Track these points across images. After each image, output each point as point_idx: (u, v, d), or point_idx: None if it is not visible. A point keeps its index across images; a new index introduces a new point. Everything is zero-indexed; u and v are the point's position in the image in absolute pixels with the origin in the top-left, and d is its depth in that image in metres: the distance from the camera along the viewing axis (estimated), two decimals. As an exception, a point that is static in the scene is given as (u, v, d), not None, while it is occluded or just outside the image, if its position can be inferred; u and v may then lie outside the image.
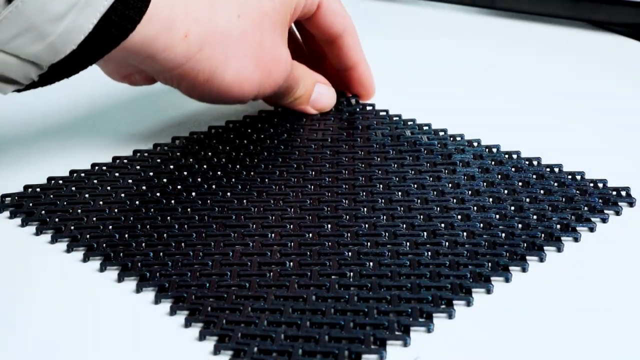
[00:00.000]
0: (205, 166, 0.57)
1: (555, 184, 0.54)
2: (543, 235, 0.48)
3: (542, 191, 0.53)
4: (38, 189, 0.54)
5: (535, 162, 0.57)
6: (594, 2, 0.88)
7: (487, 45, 0.87)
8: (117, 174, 0.56)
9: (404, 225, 0.49)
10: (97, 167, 0.58)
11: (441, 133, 0.62)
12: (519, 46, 0.87)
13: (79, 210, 0.52)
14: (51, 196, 0.53)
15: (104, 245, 0.48)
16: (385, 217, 0.50)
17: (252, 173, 0.56)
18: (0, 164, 0.59)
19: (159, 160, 0.58)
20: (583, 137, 0.63)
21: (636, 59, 0.83)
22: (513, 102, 0.70)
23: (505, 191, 0.53)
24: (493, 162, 0.57)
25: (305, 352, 0.39)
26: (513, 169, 0.56)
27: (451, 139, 0.61)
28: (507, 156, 0.58)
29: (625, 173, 0.56)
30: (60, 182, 0.55)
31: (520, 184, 0.54)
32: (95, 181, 0.55)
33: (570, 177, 0.55)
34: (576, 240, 0.49)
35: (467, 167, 0.56)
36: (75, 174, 0.56)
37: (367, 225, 0.49)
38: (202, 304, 0.42)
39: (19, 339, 0.41)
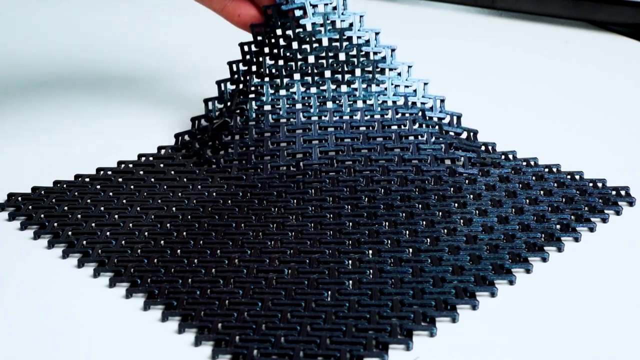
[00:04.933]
0: (205, 172, 0.57)
1: (555, 185, 0.54)
2: (543, 236, 0.48)
3: (542, 192, 0.53)
4: (43, 191, 0.54)
5: (532, 163, 0.57)
6: (594, 2, 0.88)
7: (487, 45, 0.86)
8: (120, 179, 0.56)
9: (407, 232, 0.49)
10: (102, 172, 0.57)
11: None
12: (519, 46, 0.86)
13: (79, 216, 0.51)
14: (53, 200, 0.53)
15: (100, 251, 0.47)
16: (387, 223, 0.50)
17: (252, 177, 0.56)
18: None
19: (162, 165, 0.58)
20: (582, 137, 0.63)
21: (636, 59, 0.83)
22: (512, 102, 0.70)
23: (505, 194, 0.53)
24: (492, 165, 0.57)
25: (306, 354, 0.39)
26: (512, 171, 0.56)
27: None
28: (503, 157, 0.58)
29: (624, 172, 0.56)
30: (65, 185, 0.55)
31: (519, 185, 0.54)
32: (99, 186, 0.55)
33: (569, 177, 0.55)
34: (577, 240, 0.49)
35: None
36: (80, 178, 0.56)
37: (368, 232, 0.49)
38: (195, 310, 0.42)
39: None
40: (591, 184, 0.54)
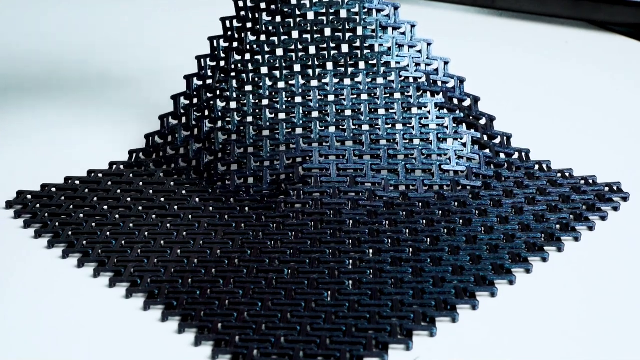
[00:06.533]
0: (207, 157, 0.56)
1: (547, 183, 0.54)
2: (544, 236, 0.48)
3: (538, 191, 0.53)
4: (54, 189, 0.54)
5: (524, 155, 0.57)
6: (594, 2, 0.88)
7: (487, 45, 0.86)
8: (131, 175, 0.56)
9: (407, 231, 0.49)
10: (115, 166, 0.57)
11: None
12: (519, 46, 0.87)
13: (81, 215, 0.51)
14: (62, 197, 0.53)
15: (100, 251, 0.47)
16: (387, 222, 0.50)
17: (252, 166, 0.55)
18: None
19: (173, 152, 0.58)
20: (582, 137, 0.63)
21: (636, 59, 0.83)
22: (512, 101, 0.70)
23: (503, 193, 0.53)
24: (489, 149, 0.57)
25: (306, 354, 0.39)
26: (506, 166, 0.56)
27: None
28: (499, 138, 0.58)
29: (624, 172, 0.56)
30: (77, 182, 0.55)
31: (515, 185, 0.54)
32: (110, 182, 0.55)
33: (560, 174, 0.55)
34: (577, 240, 0.49)
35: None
36: (92, 174, 0.56)
37: (368, 231, 0.49)
38: (195, 310, 0.42)
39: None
40: (582, 181, 0.54)
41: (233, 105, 0.57)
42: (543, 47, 0.86)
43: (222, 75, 0.58)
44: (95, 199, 0.53)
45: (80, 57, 0.83)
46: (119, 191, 0.54)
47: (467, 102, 0.58)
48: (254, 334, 0.40)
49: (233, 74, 0.58)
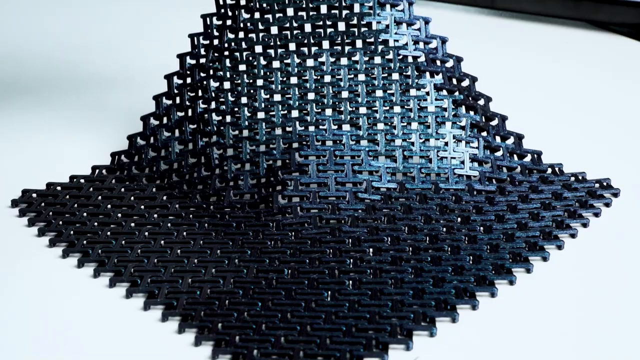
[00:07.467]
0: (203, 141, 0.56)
1: (540, 181, 0.54)
2: (542, 235, 0.48)
3: (530, 189, 0.53)
4: (59, 187, 0.54)
5: (518, 138, 0.57)
6: (594, 2, 0.88)
7: (487, 46, 0.86)
8: (134, 168, 0.56)
9: (406, 229, 0.49)
10: (117, 157, 0.57)
11: None
12: (519, 46, 0.87)
13: (84, 214, 0.51)
14: (67, 196, 0.53)
15: (100, 251, 0.47)
16: (386, 218, 0.50)
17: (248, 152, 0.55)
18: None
19: (169, 134, 0.58)
20: (584, 137, 0.63)
21: (636, 59, 0.83)
22: (512, 101, 0.70)
23: (498, 190, 0.53)
24: (486, 131, 0.56)
25: (306, 354, 0.39)
26: (502, 155, 0.56)
27: None
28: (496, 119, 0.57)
29: (625, 172, 0.56)
30: (82, 180, 0.55)
31: (509, 182, 0.54)
32: (114, 181, 0.55)
33: (550, 170, 0.55)
34: (573, 237, 0.49)
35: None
36: (97, 170, 0.56)
37: (368, 230, 0.49)
38: (195, 310, 0.42)
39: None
40: (572, 178, 0.54)
41: (227, 85, 0.56)
42: (543, 47, 0.86)
43: (216, 54, 0.57)
44: (100, 197, 0.53)
45: (82, 57, 0.83)
46: (122, 190, 0.54)
47: (465, 83, 0.58)
48: (254, 334, 0.40)
49: (226, 53, 0.57)
